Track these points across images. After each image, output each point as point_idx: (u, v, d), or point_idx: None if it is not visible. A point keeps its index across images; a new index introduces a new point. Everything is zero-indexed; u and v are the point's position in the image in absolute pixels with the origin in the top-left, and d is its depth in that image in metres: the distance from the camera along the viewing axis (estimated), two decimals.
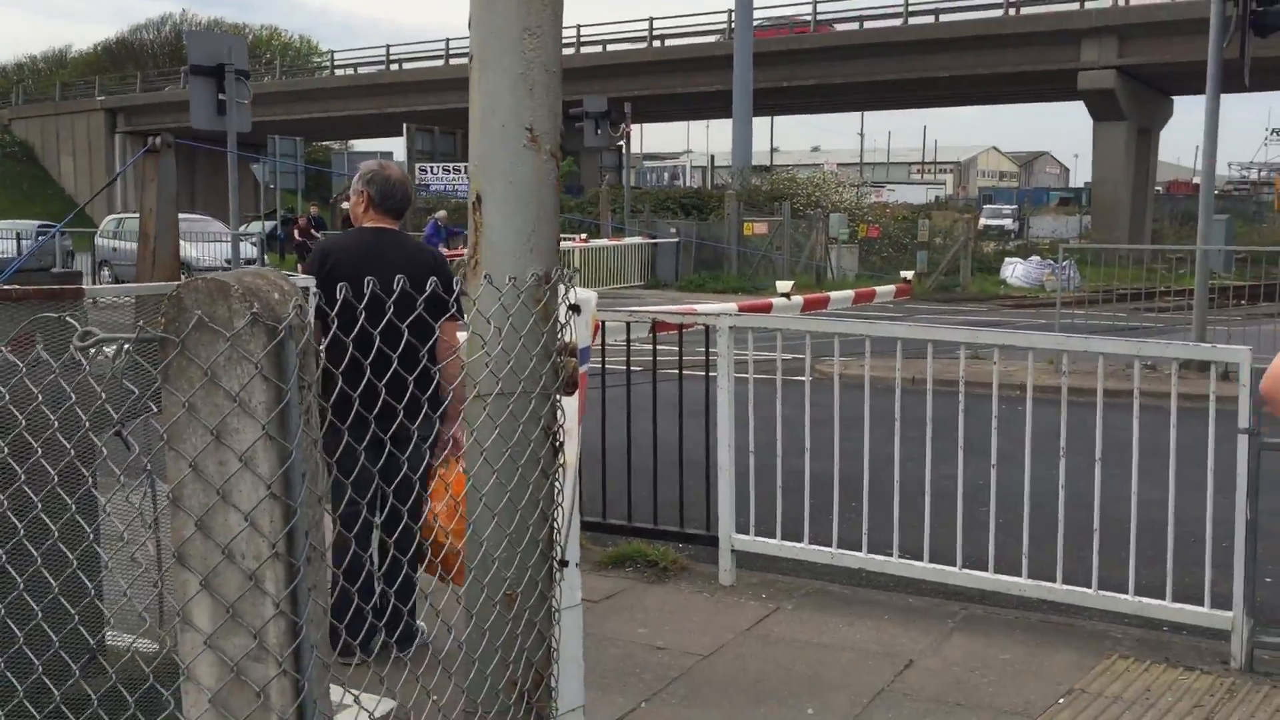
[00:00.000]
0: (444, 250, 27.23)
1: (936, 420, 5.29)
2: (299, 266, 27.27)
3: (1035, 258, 30.98)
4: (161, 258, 4.73)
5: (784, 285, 11.91)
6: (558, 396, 2.30)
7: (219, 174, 50.16)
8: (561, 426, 2.32)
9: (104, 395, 1.65)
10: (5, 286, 3.23)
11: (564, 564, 2.44)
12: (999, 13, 37.80)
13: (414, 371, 2.10)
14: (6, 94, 69.07)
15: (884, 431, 5.50)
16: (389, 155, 54.37)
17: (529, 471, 2.23)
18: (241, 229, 24.92)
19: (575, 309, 2.33)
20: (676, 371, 6.01)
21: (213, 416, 1.62)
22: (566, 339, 2.32)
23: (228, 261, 21.59)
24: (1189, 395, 5.06)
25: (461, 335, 4.05)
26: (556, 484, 2.34)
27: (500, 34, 2.17)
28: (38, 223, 31.50)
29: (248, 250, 23.78)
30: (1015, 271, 29.77)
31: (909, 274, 13.12)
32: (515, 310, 2.17)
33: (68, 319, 1.68)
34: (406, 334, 2.08)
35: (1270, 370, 1.16)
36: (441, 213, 28.88)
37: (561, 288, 2.29)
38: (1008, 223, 53.83)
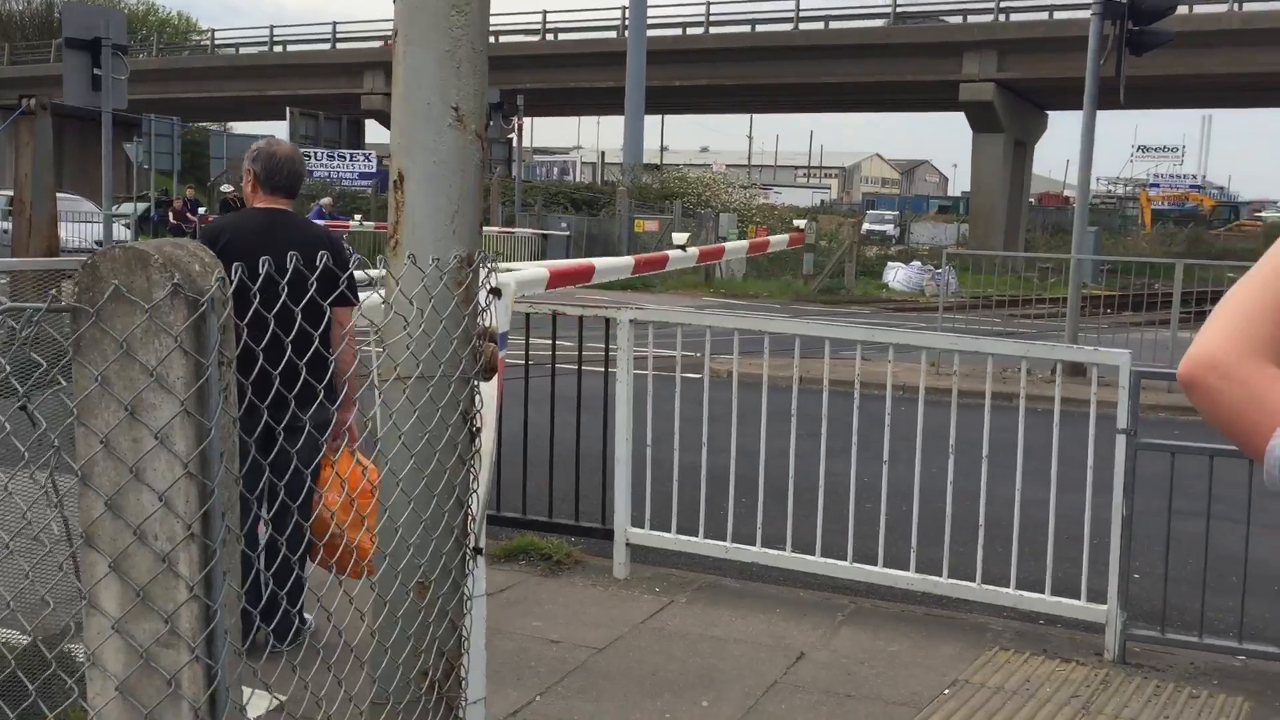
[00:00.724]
0: None
1: (830, 418, 5.38)
2: None
3: (916, 263, 31.79)
4: (39, 224, 4.50)
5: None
6: (476, 382, 2.26)
7: (89, 152, 48.27)
8: (479, 412, 2.29)
9: (8, 367, 1.56)
10: None
11: (478, 552, 2.40)
12: (886, 22, 38.67)
13: (307, 357, 2.04)
14: None
15: (778, 428, 5.58)
16: (271, 138, 52.94)
17: (446, 457, 2.18)
18: (114, 210, 23.98)
19: (496, 292, 2.30)
20: (575, 366, 5.99)
21: (127, 391, 1.55)
22: (486, 323, 2.28)
23: (98, 243, 20.76)
24: (1068, 399, 5.24)
25: (356, 319, 3.96)
26: (473, 471, 2.30)
27: (427, 9, 2.13)
28: None
29: (120, 232, 22.93)
30: (897, 276, 30.49)
31: (801, 223, 12.96)
32: (437, 292, 2.13)
33: None
34: (300, 318, 1.99)
35: (1192, 352, 1.19)
36: (327, 199, 28.34)
37: (483, 271, 2.25)
38: (889, 228, 55.13)
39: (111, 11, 19.25)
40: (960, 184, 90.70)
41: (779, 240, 12.46)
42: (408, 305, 2.09)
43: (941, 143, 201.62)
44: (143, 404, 1.56)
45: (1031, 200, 53.05)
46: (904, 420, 5.34)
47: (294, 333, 1.95)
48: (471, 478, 2.29)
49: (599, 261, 9.24)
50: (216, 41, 55.85)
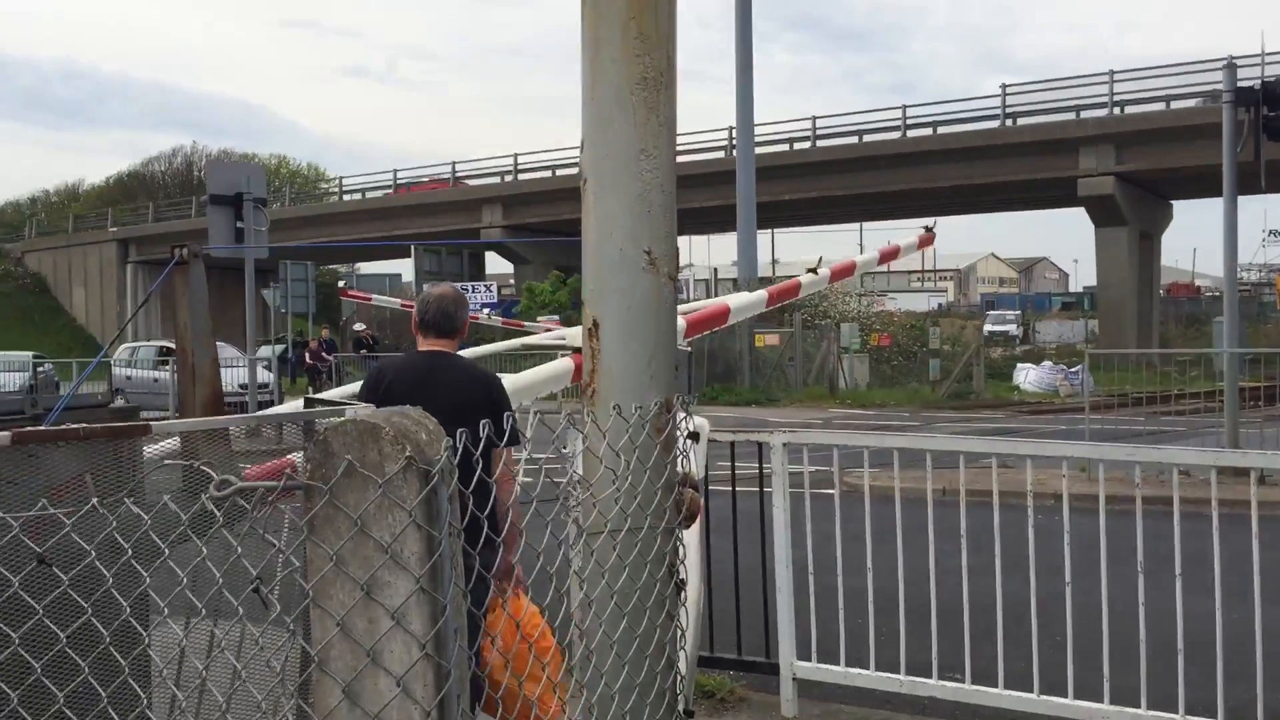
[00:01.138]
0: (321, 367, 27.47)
1: (995, 532, 5.12)
2: (309, 389, 27.24)
3: (1047, 363, 30.98)
4: (202, 371, 4.57)
5: (810, 260, 11.13)
6: (679, 530, 2.17)
7: (228, 300, 50.50)
8: (683, 562, 2.19)
9: (239, 548, 1.53)
10: (72, 425, 3.13)
11: (689, 715, 2.28)
12: (995, 124, 38.47)
13: (475, 499, 1.98)
14: (20, 228, 70.17)
15: (944, 546, 5.34)
16: (397, 277, 54.90)
17: (655, 614, 2.08)
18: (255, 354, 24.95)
19: (694, 436, 2.22)
20: (729, 489, 5.86)
21: (362, 570, 1.50)
22: (685, 468, 2.20)
23: (242, 386, 21.54)
24: (1224, 500, 4.89)
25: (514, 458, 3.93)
26: (680, 627, 2.19)
27: (615, 156, 2.11)
28: (30, 354, 31.51)
29: (262, 375, 23.76)
30: (1028, 377, 29.73)
31: (930, 223, 12.03)
32: (641, 441, 2.06)
33: (204, 469, 1.56)
34: (466, 459, 1.93)
35: None
36: (360, 325, 29.16)
37: (680, 414, 2.18)
38: (1012, 328, 54.07)
39: (252, 167, 20.31)
40: (1082, 279, 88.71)
41: (909, 245, 11.90)
42: (614, 456, 2.02)
43: (1058, 238, 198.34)
44: (378, 582, 1.50)
45: (1160, 291, 51.60)
46: (1078, 533, 5.05)
47: (460, 475, 1.90)
48: (679, 634, 2.18)
49: (733, 300, 9.08)
50: (345, 188, 58.49)
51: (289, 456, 5.37)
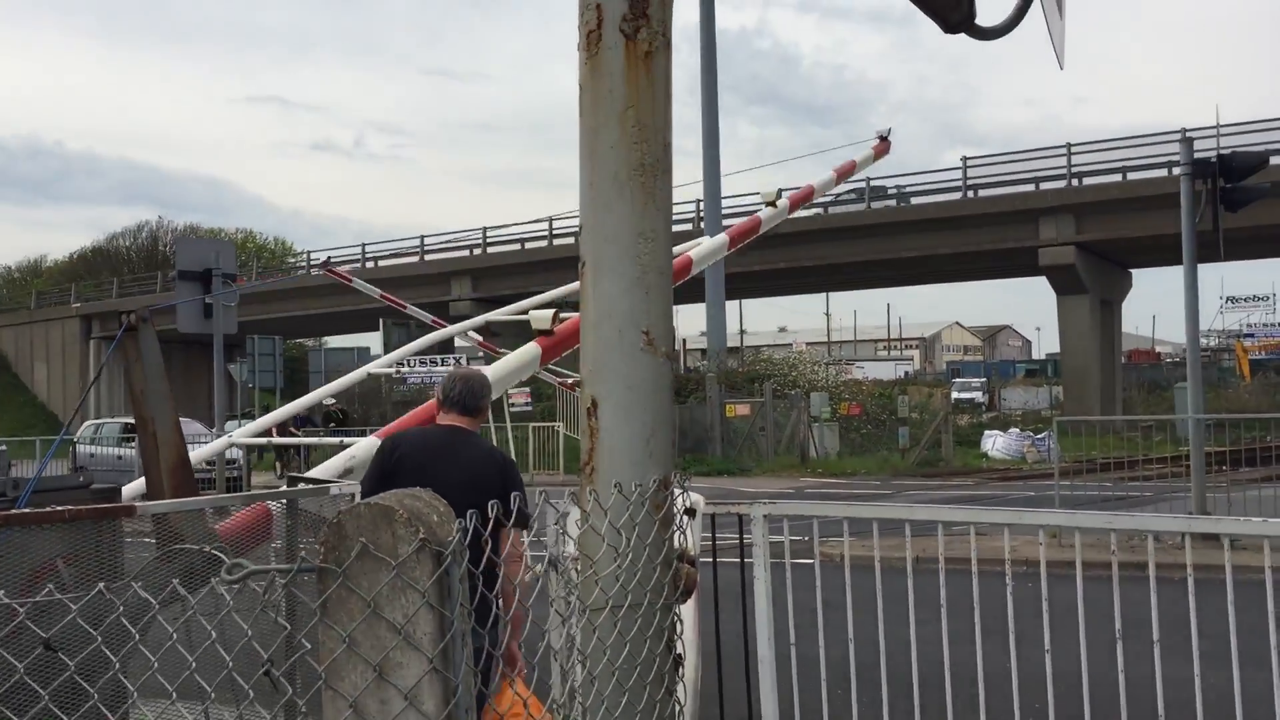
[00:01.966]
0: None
1: (967, 600, 5.15)
2: (277, 465, 26.97)
3: (1014, 430, 31.24)
4: (164, 436, 4.47)
5: (769, 192, 10.81)
6: (677, 606, 2.19)
7: (194, 374, 50.11)
8: (680, 637, 2.21)
9: (249, 631, 1.54)
10: (58, 508, 3.11)
11: None
12: (957, 195, 39.17)
13: (480, 579, 2.00)
14: None
15: (923, 615, 5.35)
16: (365, 350, 54.75)
17: (655, 689, 2.10)
18: (221, 429, 24.71)
19: (690, 512, 2.25)
20: (710, 560, 5.86)
21: (375, 651, 1.52)
22: (681, 544, 2.22)
23: (208, 463, 21.33)
24: (1199, 565, 4.95)
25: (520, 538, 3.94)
26: (679, 701, 2.20)
27: (614, 240, 2.17)
28: None
29: (232, 451, 23.53)
30: (996, 444, 29.95)
31: (885, 130, 11.81)
32: (641, 518, 2.09)
33: (215, 551, 1.58)
34: (476, 538, 1.97)
35: None
36: (332, 400, 28.98)
37: (678, 491, 2.21)
38: (978, 395, 54.58)
39: (221, 243, 20.33)
40: (1045, 346, 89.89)
41: (865, 158, 11.73)
42: (614, 533, 2.05)
43: (1021, 307, 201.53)
44: (390, 663, 1.52)
45: (1122, 358, 52.30)
46: (1054, 599, 5.09)
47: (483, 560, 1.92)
48: (678, 710, 2.19)
49: (695, 250, 9.01)
50: (312, 262, 58.49)
51: (260, 504, 5.37)
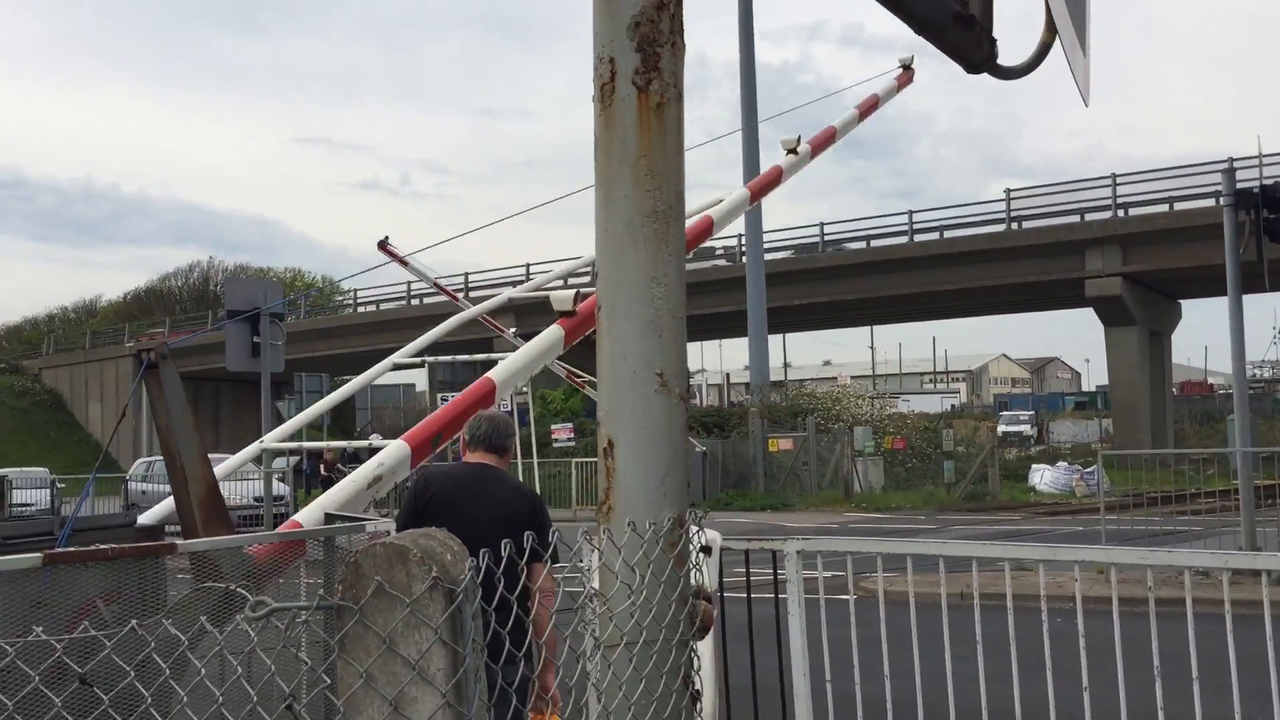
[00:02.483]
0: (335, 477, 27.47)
1: (1006, 636, 5.12)
2: None
3: (1062, 464, 30.86)
4: (192, 468, 4.54)
5: (789, 140, 10.08)
6: (693, 642, 2.23)
7: (243, 412, 50.72)
8: (698, 673, 2.25)
9: (273, 666, 1.61)
10: (101, 546, 3.21)
11: None
12: (1001, 227, 38.96)
13: (508, 615, 2.05)
14: (37, 344, 71.02)
15: (959, 651, 5.33)
16: (411, 387, 55.24)
17: None
18: (270, 466, 25.01)
19: (706, 550, 2.30)
20: (744, 596, 5.87)
21: (390, 686, 1.58)
22: (698, 581, 2.27)
23: (257, 499, 21.62)
24: (1243, 601, 4.91)
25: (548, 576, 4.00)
26: None
27: (628, 285, 2.23)
28: (46, 470, 31.63)
29: (277, 487, 23.82)
30: (1044, 478, 29.60)
31: (908, 58, 11.04)
32: (655, 556, 2.14)
33: (238, 590, 1.65)
34: (510, 569, 2.02)
35: None
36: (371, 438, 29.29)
37: (693, 529, 2.26)
38: (1026, 428, 53.97)
39: (269, 283, 20.66)
40: (1094, 378, 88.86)
41: (888, 90, 10.99)
42: (629, 571, 2.10)
43: (1070, 338, 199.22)
44: (405, 698, 1.58)
45: (1173, 390, 51.57)
46: (1093, 636, 5.05)
47: (498, 592, 1.97)
48: None
49: (716, 210, 8.72)
50: (359, 300, 59.25)
51: (292, 518, 5.46)
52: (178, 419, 4.53)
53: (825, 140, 10.28)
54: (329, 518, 4.67)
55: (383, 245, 19.09)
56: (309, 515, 5.43)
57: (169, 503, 7.16)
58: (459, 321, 10.57)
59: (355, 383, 10.48)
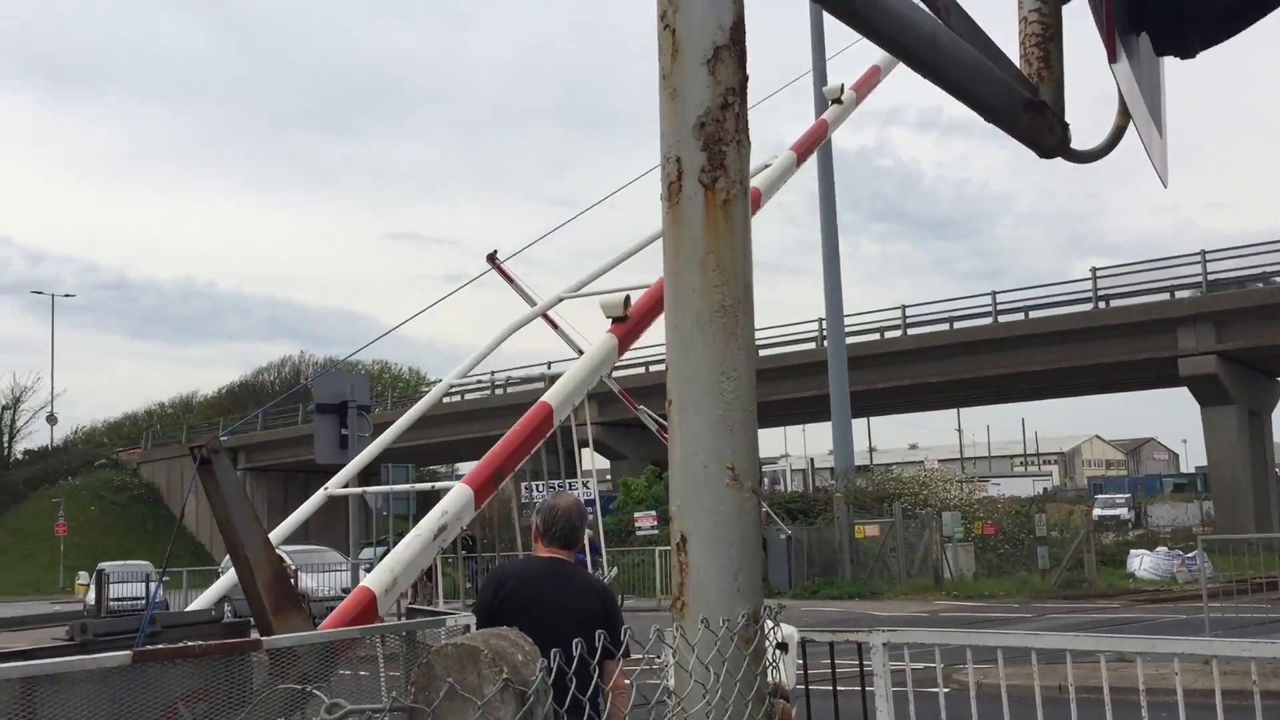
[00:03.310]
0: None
1: None
2: (410, 591, 27.36)
3: (1162, 549, 29.84)
4: (256, 557, 4.53)
5: (831, 90, 9.62)
6: None
7: (331, 504, 51.48)
8: None
9: None
10: (189, 644, 3.27)
11: None
12: (1088, 306, 38.30)
13: (581, 715, 2.03)
14: (136, 439, 73.13)
15: None
16: (498, 475, 55.40)
17: None
18: (357, 557, 25.31)
19: (783, 647, 2.27)
20: (830, 688, 5.75)
21: None
22: (774, 678, 2.24)
23: (344, 590, 21.81)
24: None
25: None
26: None
27: (698, 379, 2.25)
28: (148, 564, 32.24)
29: (364, 578, 24.01)
30: (1143, 564, 28.62)
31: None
32: (730, 654, 2.12)
33: (314, 691, 1.67)
34: (582, 667, 2.01)
35: None
36: (590, 532, 29.18)
37: (769, 624, 2.23)
38: (1123, 512, 52.40)
39: (356, 376, 21.11)
40: (1193, 459, 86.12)
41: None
42: (703, 669, 2.08)
43: (1165, 418, 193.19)
44: None
45: (1276, 470, 49.74)
46: None
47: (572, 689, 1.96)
48: None
49: (761, 179, 7.94)
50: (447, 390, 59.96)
51: (361, 584, 5.40)
52: (238, 510, 4.59)
53: (868, 79, 9.84)
54: (412, 612, 4.70)
55: (491, 258, 19.24)
56: (378, 578, 5.32)
57: (217, 587, 7.22)
58: (518, 326, 10.14)
59: (421, 405, 10.21)
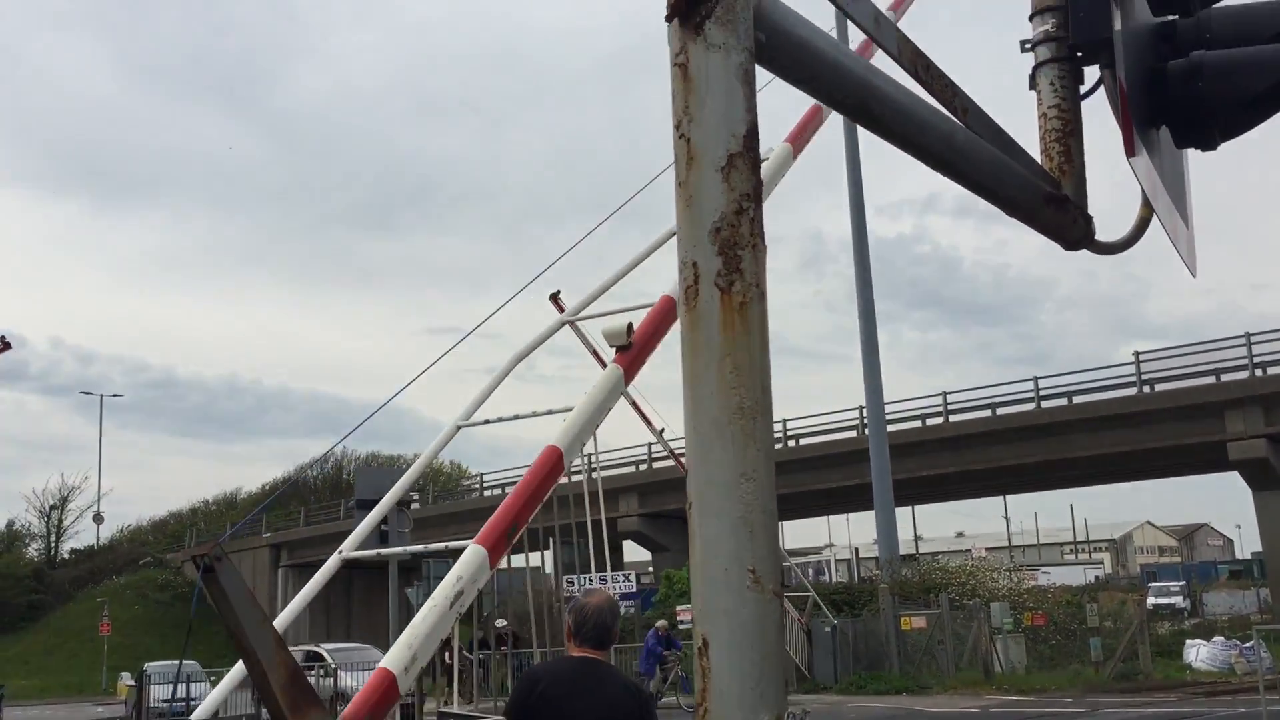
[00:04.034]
0: (670, 658, 27.12)
1: None
2: (448, 689, 27.02)
3: (1219, 638, 29.00)
4: (269, 659, 4.47)
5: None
6: None
7: (373, 602, 51.35)
8: None
9: None
10: None
11: None
12: (1132, 391, 37.87)
13: None
14: (181, 537, 73.55)
15: None
16: (538, 570, 55.16)
17: None
18: None
19: None
20: None
21: None
22: None
23: None
24: None
25: None
26: None
27: (717, 482, 2.25)
28: (196, 664, 32.10)
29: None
30: (1199, 654, 27.82)
31: None
32: None
33: None
34: None
35: None
36: (663, 622, 28.97)
37: None
38: (1178, 600, 51.09)
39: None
40: (1247, 545, 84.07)
41: None
42: None
43: (1218, 502, 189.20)
44: None
45: None
46: None
47: None
48: None
49: (765, 168, 7.50)
50: (485, 484, 60.13)
51: (380, 664, 5.25)
52: (245, 615, 4.55)
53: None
54: (443, 716, 4.67)
55: (554, 298, 19.11)
56: (396, 657, 5.15)
57: (214, 696, 7.13)
58: (528, 352, 9.88)
59: (431, 450, 10.18)
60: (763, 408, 2.30)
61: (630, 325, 6.45)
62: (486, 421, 9.62)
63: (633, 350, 6.40)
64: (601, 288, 9.03)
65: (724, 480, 2.24)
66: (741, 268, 2.32)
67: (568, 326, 11.07)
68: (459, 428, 10.11)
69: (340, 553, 8.58)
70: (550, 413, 7.75)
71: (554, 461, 6.11)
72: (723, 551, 2.22)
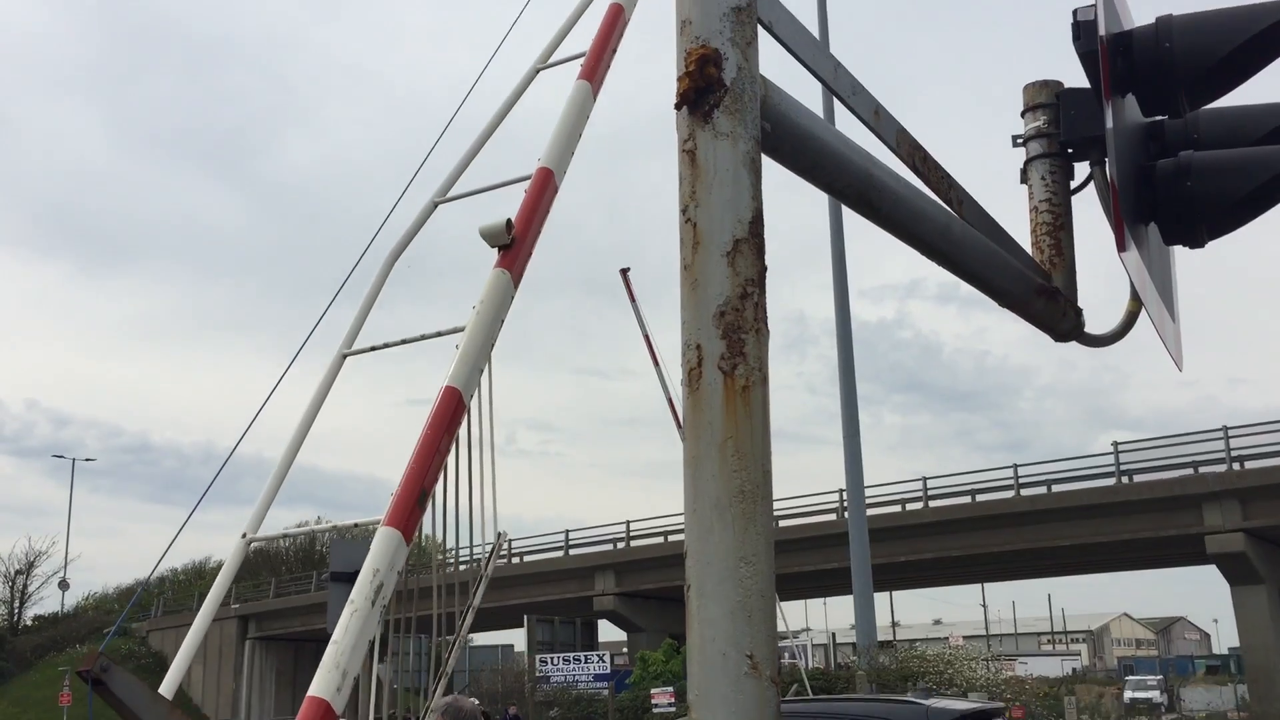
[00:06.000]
0: None
1: None
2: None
3: None
4: None
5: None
6: None
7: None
8: None
9: None
10: None
11: None
12: (1111, 481, 37.97)
13: None
14: (148, 607, 72.20)
15: None
16: (510, 648, 54.40)
17: None
18: None
19: None
20: None
21: None
22: None
23: None
24: None
25: None
26: None
27: (716, 565, 2.25)
28: None
29: None
30: None
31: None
32: None
33: None
34: None
35: None
36: (514, 708, 28.89)
37: None
38: (1155, 695, 50.67)
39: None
40: (1225, 639, 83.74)
41: None
42: None
43: (1195, 596, 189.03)
44: None
45: None
46: None
47: None
48: None
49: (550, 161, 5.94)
50: (460, 559, 59.35)
51: (310, 694, 4.95)
52: (148, 714, 4.46)
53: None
54: None
55: (624, 273, 18.67)
56: (324, 681, 4.54)
57: None
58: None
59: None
60: (763, 492, 2.30)
61: (509, 221, 5.68)
62: (373, 348, 7.92)
63: (515, 247, 5.73)
64: (464, 160, 7.64)
65: (724, 563, 2.24)
66: (745, 351, 2.34)
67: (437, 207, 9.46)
68: (344, 356, 8.37)
69: (245, 535, 7.57)
70: (439, 335, 6.55)
71: (453, 405, 5.40)
72: (721, 636, 2.21)
